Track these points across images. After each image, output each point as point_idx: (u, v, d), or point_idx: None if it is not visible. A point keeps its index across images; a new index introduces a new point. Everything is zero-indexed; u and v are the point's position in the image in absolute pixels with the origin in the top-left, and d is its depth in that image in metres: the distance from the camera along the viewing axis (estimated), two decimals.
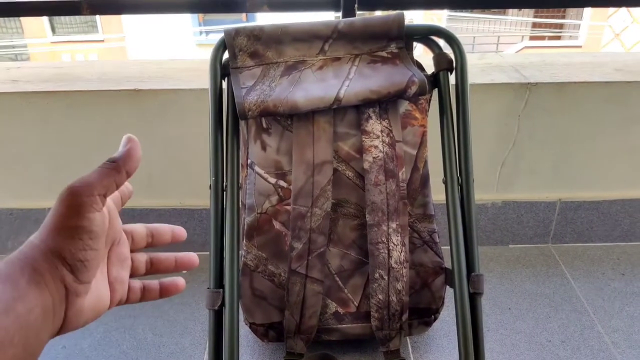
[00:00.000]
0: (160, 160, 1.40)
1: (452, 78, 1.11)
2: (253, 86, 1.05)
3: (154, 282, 0.47)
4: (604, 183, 1.47)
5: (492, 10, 11.82)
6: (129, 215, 1.46)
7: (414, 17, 10.74)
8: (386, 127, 1.08)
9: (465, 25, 11.46)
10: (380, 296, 1.11)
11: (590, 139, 1.40)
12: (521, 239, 1.54)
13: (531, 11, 11.98)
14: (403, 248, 1.10)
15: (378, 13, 1.25)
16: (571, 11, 11.80)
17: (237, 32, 1.08)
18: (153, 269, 0.48)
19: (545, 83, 1.32)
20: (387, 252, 1.09)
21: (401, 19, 1.10)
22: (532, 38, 12.14)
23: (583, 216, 1.51)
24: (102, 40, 11.47)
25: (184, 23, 11.53)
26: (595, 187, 1.47)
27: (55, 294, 0.36)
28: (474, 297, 1.05)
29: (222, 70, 1.08)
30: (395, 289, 1.11)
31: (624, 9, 9.93)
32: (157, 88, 1.31)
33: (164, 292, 0.47)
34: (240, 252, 1.06)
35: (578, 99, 1.34)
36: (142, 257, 0.47)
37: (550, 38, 12.16)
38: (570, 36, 12.06)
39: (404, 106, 1.11)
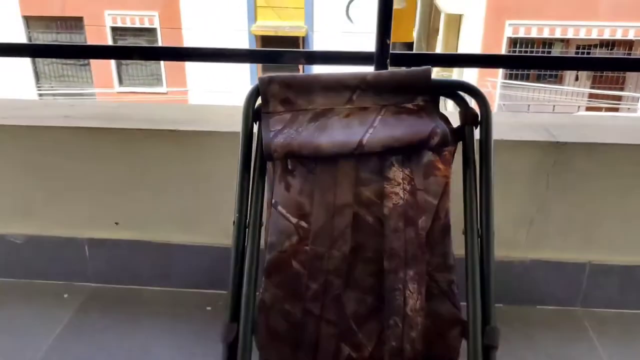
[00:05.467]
0: (195, 198, 1.46)
1: (477, 133, 1.13)
2: (281, 130, 1.11)
3: None
4: (635, 247, 1.43)
5: (549, 79, 11.75)
6: (159, 249, 1.52)
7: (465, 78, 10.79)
8: (408, 175, 1.11)
9: (520, 93, 11.43)
10: (394, 343, 1.11)
11: (621, 202, 1.38)
12: (549, 300, 1.50)
13: (588, 81, 11.87)
14: (419, 296, 1.10)
15: None
16: (630, 83, 11.63)
17: (271, 80, 1.15)
18: None
19: (574, 143, 1.32)
20: (402, 299, 1.10)
21: (428, 73, 1.14)
22: (588, 109, 11.99)
23: (615, 281, 1.47)
24: (166, 93, 11.98)
25: (244, 77, 11.93)
26: (627, 251, 1.44)
27: None
28: (488, 350, 1.04)
29: (254, 115, 1.15)
30: (410, 337, 1.10)
31: None
32: (195, 129, 1.38)
33: None
34: (258, 288, 1.10)
35: (609, 160, 1.34)
36: None
37: (607, 109, 11.97)
38: (629, 108, 11.83)
39: (428, 156, 1.13)
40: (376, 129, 1.10)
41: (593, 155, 1.33)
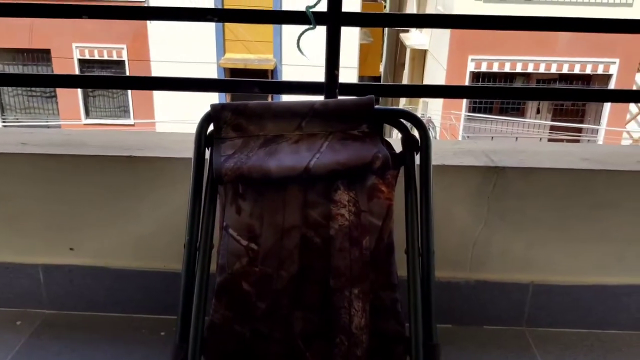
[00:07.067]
0: (149, 223, 1.48)
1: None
2: (232, 155, 1.15)
3: None
4: (575, 268, 1.50)
5: (511, 112, 12.06)
6: (114, 275, 1.53)
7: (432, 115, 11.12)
8: (353, 198, 1.16)
9: (483, 125, 11.72)
10: None
11: (559, 223, 1.46)
12: (495, 320, 1.56)
13: (549, 114, 12.23)
14: (364, 314, 1.14)
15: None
16: (589, 115, 12.05)
17: (223, 106, 1.20)
18: None
19: (512, 167, 1.40)
20: (348, 317, 1.14)
21: (371, 102, 1.21)
22: (550, 140, 12.36)
23: (557, 300, 1.53)
24: (133, 125, 11.95)
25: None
26: (567, 271, 1.51)
27: None
28: None
29: (206, 141, 1.19)
30: (355, 354, 1.14)
31: None
32: (151, 155, 1.42)
33: None
34: (207, 310, 1.12)
35: (545, 184, 1.42)
36: None
37: (568, 141, 12.37)
38: (589, 140, 12.24)
39: (371, 180, 1.19)
40: (322, 154, 1.15)
41: (530, 179, 1.41)
